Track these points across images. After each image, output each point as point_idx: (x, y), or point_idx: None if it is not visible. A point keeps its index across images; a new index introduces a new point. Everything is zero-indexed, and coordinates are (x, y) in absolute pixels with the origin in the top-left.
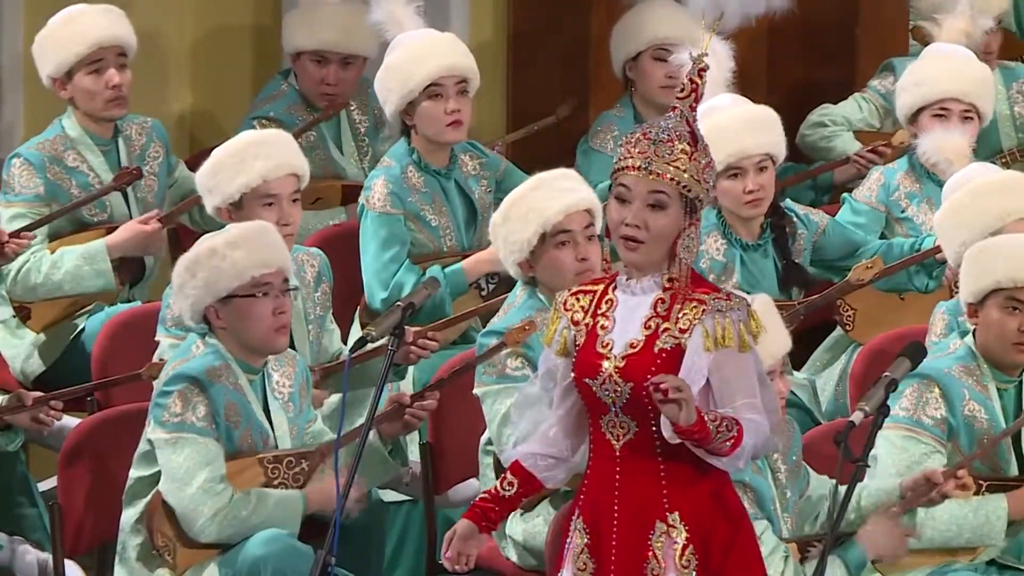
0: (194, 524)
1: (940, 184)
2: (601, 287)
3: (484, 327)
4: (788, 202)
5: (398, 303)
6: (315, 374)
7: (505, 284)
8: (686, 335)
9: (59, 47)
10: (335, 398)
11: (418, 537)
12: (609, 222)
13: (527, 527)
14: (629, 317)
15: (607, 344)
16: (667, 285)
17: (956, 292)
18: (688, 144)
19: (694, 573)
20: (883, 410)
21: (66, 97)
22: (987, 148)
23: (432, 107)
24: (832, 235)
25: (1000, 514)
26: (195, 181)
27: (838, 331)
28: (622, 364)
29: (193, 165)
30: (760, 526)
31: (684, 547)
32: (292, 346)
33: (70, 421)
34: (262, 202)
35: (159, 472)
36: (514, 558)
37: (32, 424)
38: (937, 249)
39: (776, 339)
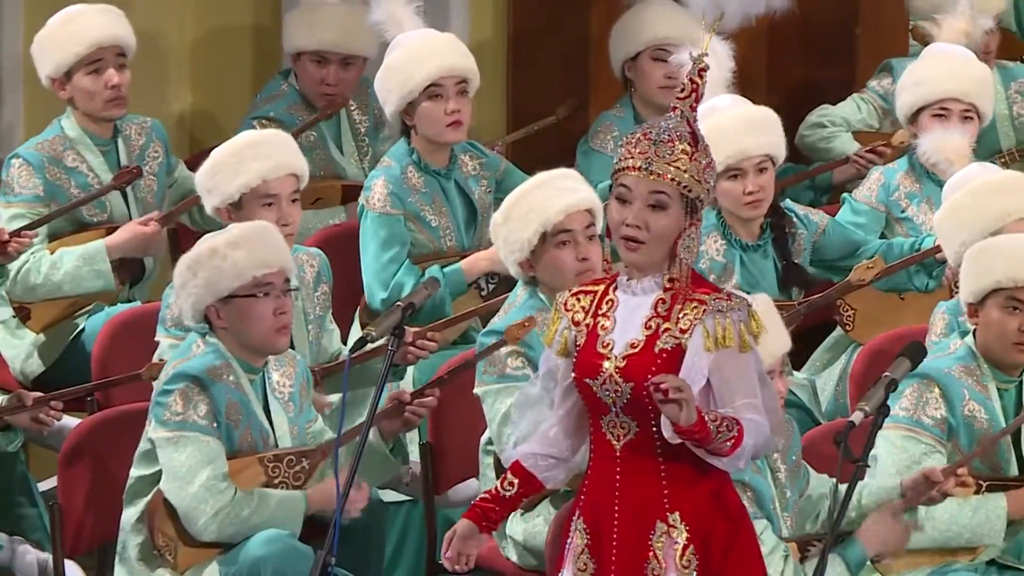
0: (195, 523)
1: (940, 184)
2: (602, 287)
3: (484, 327)
4: (788, 202)
5: (398, 303)
6: (315, 374)
7: (505, 284)
8: (687, 335)
9: (58, 47)
10: (336, 399)
11: (418, 537)
12: (610, 222)
13: (527, 527)
14: (630, 317)
15: (608, 344)
16: (668, 285)
17: (956, 292)
18: (689, 144)
19: (695, 573)
20: (883, 410)
21: (65, 97)
22: (986, 148)
23: (432, 107)
24: (832, 235)
25: (1000, 513)
26: (194, 181)
27: (838, 331)
28: (623, 364)
29: (193, 165)
30: (760, 525)
31: (684, 547)
32: (292, 346)
33: (70, 421)
34: (261, 202)
35: (160, 471)
36: (514, 558)
37: (32, 424)
38: (937, 249)
39: (776, 339)
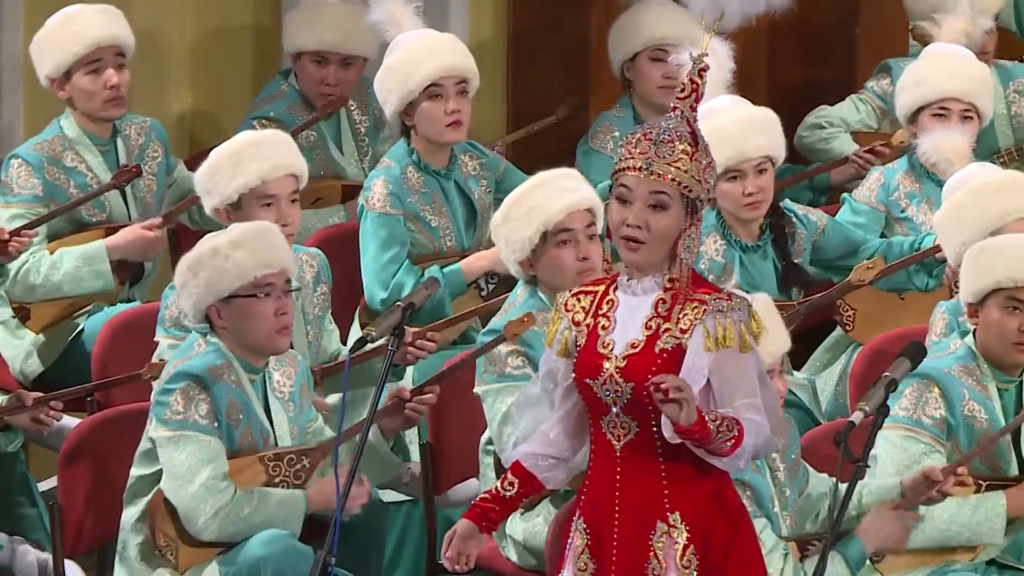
0: (196, 522)
1: (940, 184)
2: (602, 288)
3: (484, 327)
4: (787, 202)
5: (398, 303)
6: (315, 375)
7: (505, 284)
8: (687, 335)
9: (57, 47)
10: (336, 401)
11: (418, 537)
12: (610, 223)
13: (527, 526)
14: (630, 317)
15: (608, 344)
16: (668, 285)
17: (956, 292)
18: (689, 144)
19: (695, 573)
20: (883, 410)
21: (64, 97)
22: (984, 148)
23: (432, 108)
24: (831, 234)
25: (999, 512)
26: (193, 181)
27: (838, 331)
28: (623, 364)
29: (193, 165)
30: (759, 524)
31: (685, 547)
32: (291, 346)
33: (70, 421)
34: (260, 203)
35: (160, 471)
36: (514, 558)
37: (32, 425)
38: (937, 248)
39: (776, 338)
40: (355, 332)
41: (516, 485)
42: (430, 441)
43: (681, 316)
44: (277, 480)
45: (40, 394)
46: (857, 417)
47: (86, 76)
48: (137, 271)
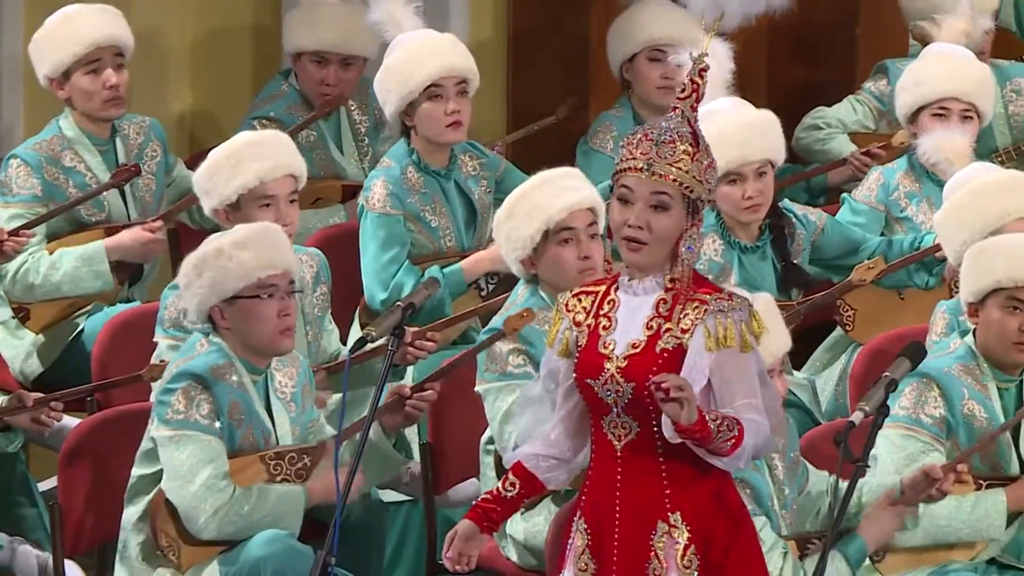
0: (196, 522)
1: (939, 184)
2: (603, 288)
3: (484, 327)
4: (786, 202)
5: (398, 303)
6: (316, 375)
7: (504, 284)
8: (688, 335)
9: (56, 47)
10: (336, 398)
11: (418, 537)
12: (611, 223)
13: (528, 526)
14: (631, 317)
15: (609, 344)
16: (669, 285)
17: (956, 291)
18: (690, 145)
19: (696, 573)
20: (883, 410)
21: (63, 97)
22: (982, 147)
23: (432, 108)
24: (831, 234)
25: (1000, 508)
26: (192, 181)
27: (838, 331)
28: (624, 364)
29: (193, 165)
30: (759, 522)
31: (686, 547)
32: None
33: (70, 421)
34: (259, 203)
35: (162, 470)
36: (514, 558)
37: (32, 425)
38: (937, 247)
39: (776, 338)
40: (355, 332)
41: (517, 486)
42: (430, 441)
43: (682, 316)
44: (278, 479)
45: (40, 394)
46: (857, 417)
47: (85, 76)
48: (136, 271)
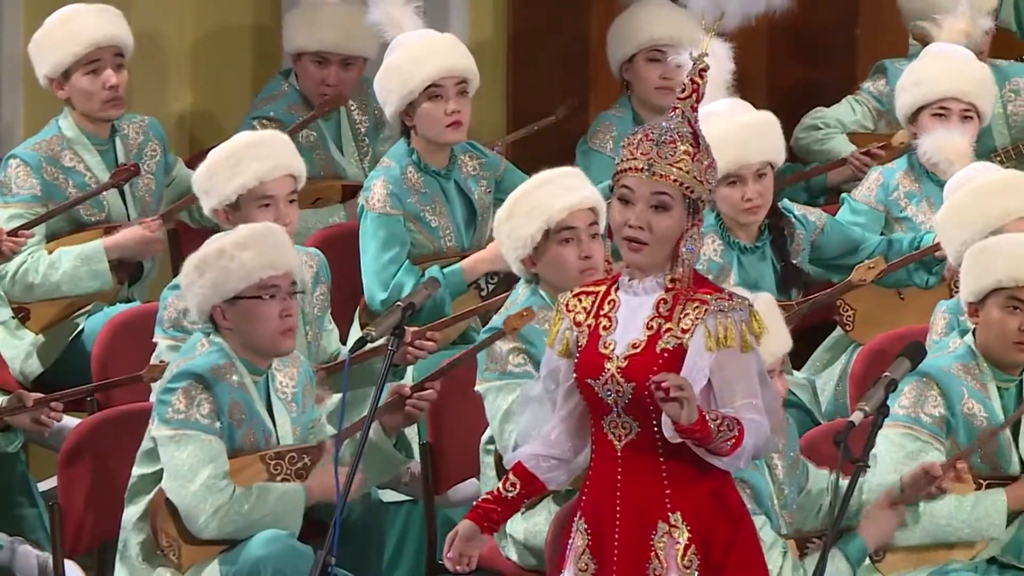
0: (196, 521)
1: (939, 184)
2: (603, 288)
3: (484, 327)
4: (785, 202)
5: (398, 303)
6: (316, 375)
7: (504, 284)
8: (688, 335)
9: (56, 47)
10: (336, 397)
11: (418, 537)
12: (612, 223)
13: (528, 526)
14: (631, 317)
15: (609, 345)
16: (669, 285)
17: (956, 290)
18: (691, 145)
19: (696, 573)
20: (883, 410)
21: (63, 97)
22: (981, 147)
23: (432, 108)
24: (830, 233)
25: (1000, 507)
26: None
27: (838, 331)
28: (624, 364)
29: (193, 165)
30: (758, 521)
31: (686, 547)
32: None
33: (70, 421)
34: (258, 203)
35: (162, 470)
36: (514, 557)
37: (32, 425)
38: (937, 246)
39: (777, 338)
40: (355, 332)
41: (518, 486)
42: (430, 441)
43: (682, 316)
44: (278, 478)
45: (40, 395)
46: (857, 417)
47: (85, 76)
48: (136, 271)
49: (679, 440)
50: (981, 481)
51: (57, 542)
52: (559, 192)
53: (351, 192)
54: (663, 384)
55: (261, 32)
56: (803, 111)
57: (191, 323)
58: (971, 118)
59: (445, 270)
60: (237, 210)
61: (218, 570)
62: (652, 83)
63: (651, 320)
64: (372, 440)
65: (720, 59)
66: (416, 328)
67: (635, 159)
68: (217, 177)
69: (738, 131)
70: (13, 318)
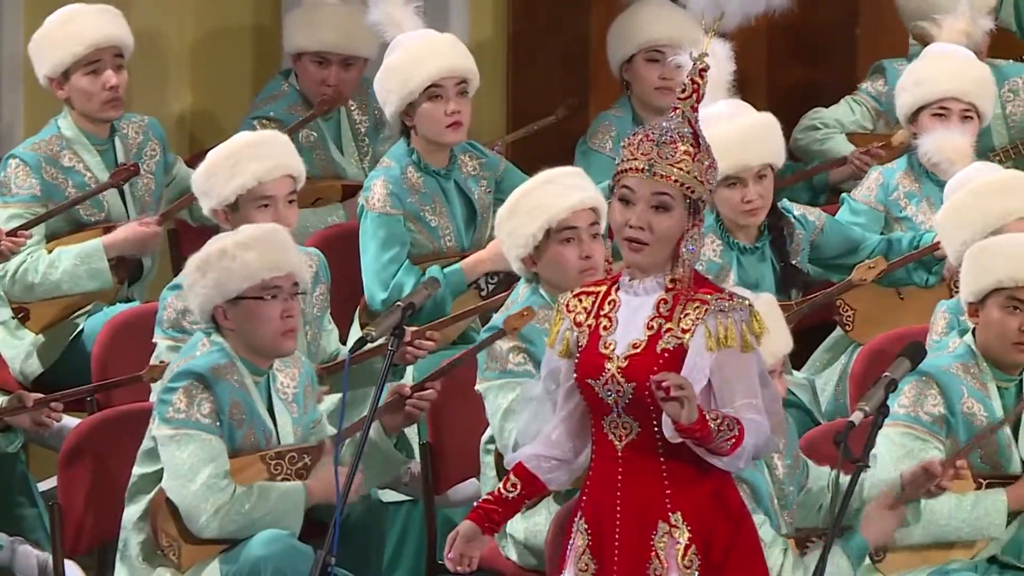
0: (197, 521)
1: (939, 184)
2: (604, 288)
3: (484, 326)
4: (785, 202)
5: (398, 303)
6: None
7: (504, 284)
8: (688, 335)
9: (56, 47)
10: (334, 396)
11: (418, 537)
12: (612, 224)
13: (528, 525)
14: (632, 318)
15: (609, 345)
16: (670, 286)
17: (956, 290)
18: (691, 146)
19: (696, 573)
20: (883, 410)
21: (63, 97)
22: (980, 147)
23: (432, 108)
24: (830, 233)
25: (1000, 507)
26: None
27: (838, 331)
28: (625, 364)
29: (193, 165)
30: (758, 520)
31: (687, 547)
32: None
33: (70, 421)
34: (257, 204)
35: (162, 469)
36: (514, 557)
37: (32, 426)
38: (937, 245)
39: (778, 339)
40: (355, 332)
41: (519, 487)
42: (430, 441)
43: (683, 316)
44: (279, 478)
45: (40, 395)
46: (857, 417)
47: (85, 77)
48: (136, 270)
49: (679, 440)
50: (981, 481)
51: (57, 542)
52: (561, 192)
53: (351, 192)
54: (663, 383)
55: (261, 32)
56: (803, 111)
57: (191, 323)
58: (971, 118)
59: (445, 270)
60: (236, 211)
61: (218, 570)
62: (651, 83)
63: (651, 320)
64: (372, 440)
65: (720, 59)
66: (415, 328)
67: (636, 159)
68: (216, 178)
69: (739, 133)
70: (13, 318)
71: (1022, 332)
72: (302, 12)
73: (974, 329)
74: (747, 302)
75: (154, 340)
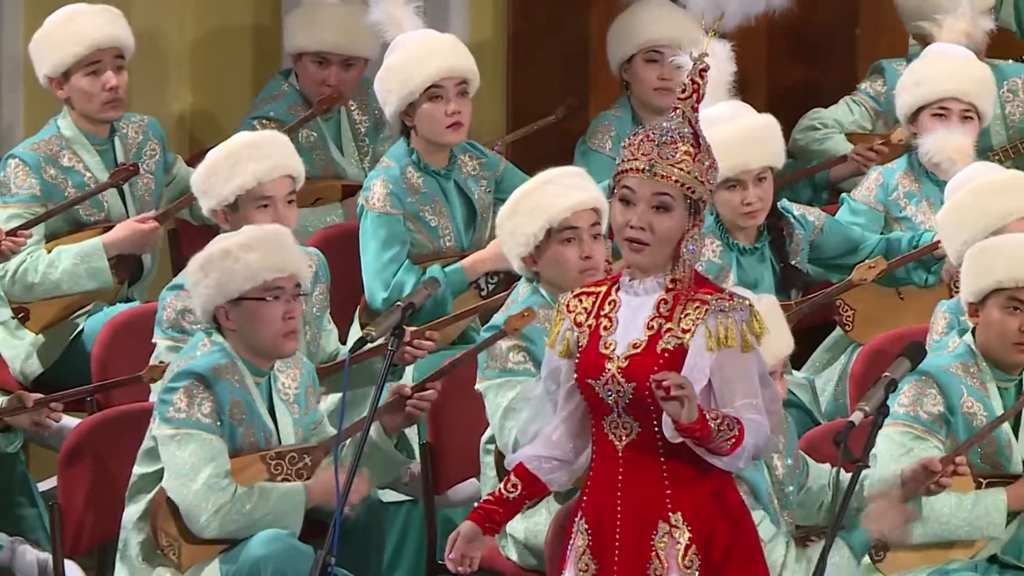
0: (197, 520)
1: (939, 184)
2: (604, 288)
3: (484, 326)
4: (785, 202)
5: (398, 303)
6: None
7: (504, 284)
8: (689, 335)
9: (56, 47)
10: (334, 396)
11: (418, 537)
12: (613, 224)
13: (528, 525)
14: (632, 318)
15: (610, 345)
16: (670, 286)
17: (955, 290)
18: (692, 146)
19: (697, 573)
20: (883, 410)
21: (63, 97)
22: (979, 147)
23: (432, 109)
24: (830, 233)
25: (1000, 507)
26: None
27: (838, 331)
28: (625, 364)
29: (193, 165)
30: (757, 516)
31: (687, 547)
32: None
33: (70, 421)
34: (257, 204)
35: (163, 469)
36: (514, 557)
37: (32, 426)
38: (936, 245)
39: (779, 340)
40: (355, 332)
41: (519, 487)
42: (430, 441)
43: (683, 316)
44: (279, 479)
45: (40, 395)
46: (857, 417)
47: (85, 77)
48: (136, 270)
49: (679, 439)
50: (981, 480)
51: (57, 542)
52: (562, 191)
53: (351, 192)
54: (663, 383)
55: (261, 32)
56: (803, 111)
57: (191, 323)
58: (971, 118)
59: (446, 269)
60: (235, 211)
61: (218, 569)
62: (650, 84)
63: (652, 320)
64: (373, 441)
65: (720, 60)
66: (415, 328)
67: (636, 160)
68: (215, 178)
69: (739, 135)
70: (13, 318)
71: (1022, 332)
72: (302, 12)
73: (974, 329)
74: (747, 302)
75: (154, 340)
